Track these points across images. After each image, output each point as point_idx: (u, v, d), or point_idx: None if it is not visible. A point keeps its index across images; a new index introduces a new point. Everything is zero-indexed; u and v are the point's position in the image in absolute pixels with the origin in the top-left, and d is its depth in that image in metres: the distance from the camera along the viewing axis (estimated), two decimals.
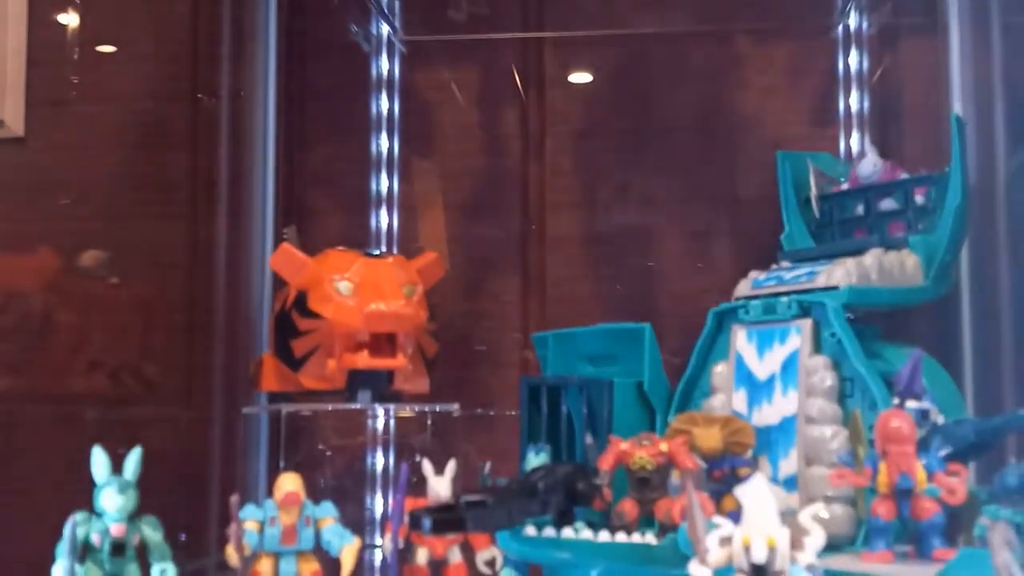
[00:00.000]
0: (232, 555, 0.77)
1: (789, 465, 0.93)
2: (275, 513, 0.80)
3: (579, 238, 1.24)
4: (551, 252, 1.24)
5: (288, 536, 0.80)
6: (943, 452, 0.82)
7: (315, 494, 0.83)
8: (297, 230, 1.04)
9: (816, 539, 0.73)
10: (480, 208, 1.24)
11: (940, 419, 0.89)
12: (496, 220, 1.24)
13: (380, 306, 0.93)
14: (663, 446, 0.85)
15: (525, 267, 1.24)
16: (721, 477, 0.93)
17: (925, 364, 0.97)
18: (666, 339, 1.06)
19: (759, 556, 0.71)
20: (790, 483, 0.92)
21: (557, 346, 1.08)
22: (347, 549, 0.79)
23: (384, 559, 0.84)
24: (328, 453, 1.07)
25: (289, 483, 0.80)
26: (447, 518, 0.71)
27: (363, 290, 0.94)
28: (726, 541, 0.73)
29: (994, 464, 0.88)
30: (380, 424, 1.05)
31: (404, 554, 0.86)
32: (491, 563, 0.89)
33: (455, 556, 0.88)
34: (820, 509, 0.76)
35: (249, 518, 0.79)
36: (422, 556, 0.87)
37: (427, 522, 0.70)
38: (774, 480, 0.92)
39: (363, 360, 0.93)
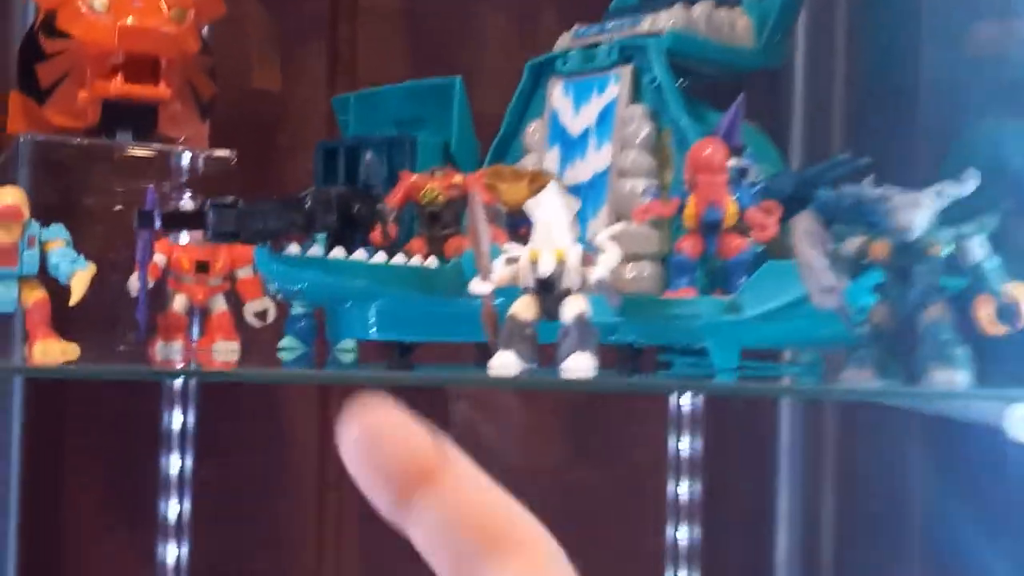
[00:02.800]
0: None
1: (599, 223, 0.85)
2: None
3: (393, 13, 1.12)
4: (362, 30, 1.12)
5: (5, 256, 0.67)
6: (756, 189, 0.76)
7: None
8: None
9: (610, 256, 0.66)
10: None
11: (760, 179, 0.83)
12: None
13: (138, 21, 0.80)
14: (457, 178, 0.76)
15: (334, 47, 1.12)
16: (527, 234, 0.86)
17: (751, 135, 0.91)
18: (490, 115, 0.97)
19: (545, 269, 0.63)
20: None
21: (360, 109, 0.97)
22: (79, 275, 0.68)
23: (134, 302, 0.72)
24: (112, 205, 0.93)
25: (8, 195, 0.68)
26: (183, 215, 0.60)
27: (120, 6, 0.81)
28: (512, 260, 0.65)
29: None
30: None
31: (156, 299, 0.76)
32: (262, 315, 0.79)
33: (219, 304, 0.78)
34: (617, 227, 0.69)
35: None
36: (179, 303, 0.76)
37: (157, 218, 0.59)
38: (582, 240, 0.84)
39: (117, 87, 0.80)
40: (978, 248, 0.57)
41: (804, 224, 0.57)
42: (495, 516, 0.20)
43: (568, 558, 0.21)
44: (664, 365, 0.78)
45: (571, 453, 1.14)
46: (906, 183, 0.89)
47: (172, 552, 1.08)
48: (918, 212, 0.57)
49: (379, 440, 0.20)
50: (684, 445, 1.10)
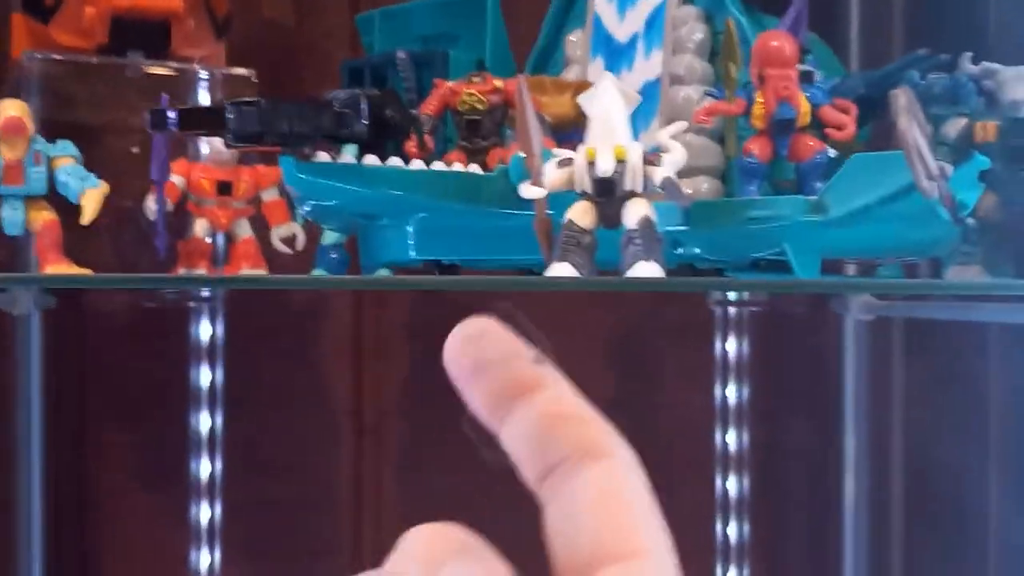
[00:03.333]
0: None
1: (650, 136, 0.79)
2: None
3: None
4: None
5: (11, 174, 0.61)
6: (830, 86, 0.69)
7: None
8: None
9: (676, 155, 0.59)
10: None
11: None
12: None
13: None
14: (498, 83, 0.70)
15: None
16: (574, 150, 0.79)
17: (812, 43, 0.84)
18: (525, 29, 0.89)
19: (605, 168, 0.57)
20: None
21: (385, 27, 0.90)
22: (90, 193, 0.62)
23: (152, 225, 0.66)
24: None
25: (11, 108, 0.62)
26: (201, 113, 0.54)
27: None
28: (566, 162, 0.59)
29: None
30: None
31: (177, 225, 0.70)
32: (289, 241, 0.74)
33: (244, 230, 0.72)
34: (679, 125, 0.62)
35: None
36: (200, 228, 0.71)
37: (172, 115, 0.53)
38: None
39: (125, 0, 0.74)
40: None
41: (905, 101, 0.50)
42: (583, 427, 0.22)
43: None
44: None
45: (612, 400, 1.08)
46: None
47: (205, 511, 1.03)
48: None
49: (485, 349, 0.22)
50: (731, 392, 1.05)
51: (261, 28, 1.00)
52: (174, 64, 0.79)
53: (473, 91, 0.69)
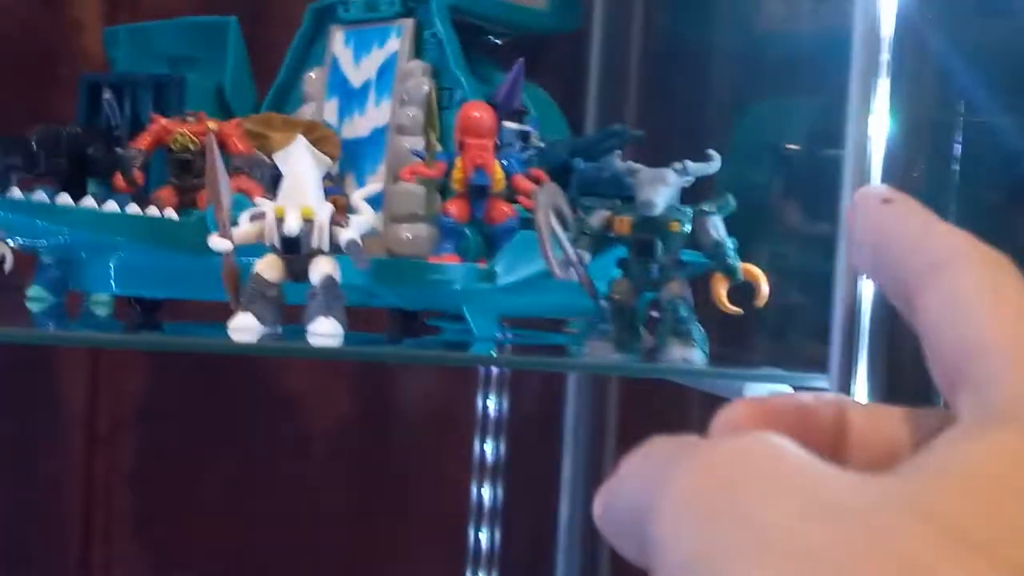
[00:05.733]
0: None
1: (376, 181, 0.82)
2: None
3: None
4: None
5: None
6: (527, 155, 0.74)
7: None
8: None
9: (364, 218, 0.63)
10: None
11: (542, 145, 0.82)
12: None
13: None
14: (212, 124, 0.72)
15: None
16: None
17: (537, 99, 0.89)
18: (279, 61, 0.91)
19: (291, 227, 0.60)
20: (376, 201, 0.81)
21: (131, 44, 0.90)
22: None
23: None
24: None
25: None
26: None
27: None
28: (258, 216, 0.62)
29: None
30: None
31: None
32: None
33: None
34: (372, 188, 0.66)
35: None
36: None
37: None
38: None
39: None
40: (717, 227, 0.57)
41: (545, 196, 0.55)
42: None
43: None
44: (433, 331, 0.76)
45: (369, 409, 1.11)
46: (697, 154, 0.89)
47: None
48: (661, 188, 0.56)
49: None
50: (492, 404, 1.10)
51: (5, 35, 0.98)
52: None
53: (185, 131, 0.70)
